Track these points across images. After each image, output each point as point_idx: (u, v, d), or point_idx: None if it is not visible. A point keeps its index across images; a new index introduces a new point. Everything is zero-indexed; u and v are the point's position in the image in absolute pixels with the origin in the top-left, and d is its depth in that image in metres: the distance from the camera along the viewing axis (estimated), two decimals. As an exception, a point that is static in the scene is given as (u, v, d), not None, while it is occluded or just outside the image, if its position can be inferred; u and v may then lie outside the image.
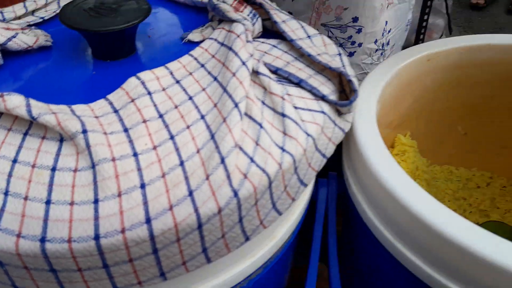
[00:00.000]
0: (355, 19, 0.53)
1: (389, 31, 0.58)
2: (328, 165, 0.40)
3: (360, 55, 0.57)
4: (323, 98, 0.34)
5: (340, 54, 0.38)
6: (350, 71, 0.37)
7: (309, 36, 0.38)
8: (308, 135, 0.31)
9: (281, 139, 0.30)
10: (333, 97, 0.34)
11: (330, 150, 0.35)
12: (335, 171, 0.45)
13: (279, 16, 0.38)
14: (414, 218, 0.30)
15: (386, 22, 0.57)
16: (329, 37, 0.56)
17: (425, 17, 1.53)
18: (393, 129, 0.54)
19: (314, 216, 0.42)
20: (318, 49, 0.37)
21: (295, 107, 0.32)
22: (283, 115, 0.31)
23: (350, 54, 0.57)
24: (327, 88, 0.35)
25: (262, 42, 0.37)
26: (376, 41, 0.57)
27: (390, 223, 0.34)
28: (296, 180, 0.31)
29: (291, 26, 0.38)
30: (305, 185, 0.33)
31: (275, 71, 0.35)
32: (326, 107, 0.33)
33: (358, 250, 0.44)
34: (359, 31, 0.54)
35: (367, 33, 0.55)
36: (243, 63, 0.32)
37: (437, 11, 1.65)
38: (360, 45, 0.56)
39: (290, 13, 0.54)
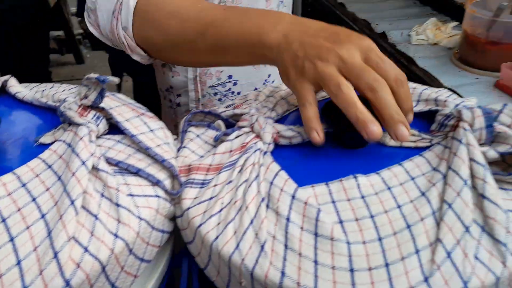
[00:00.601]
0: (230, 76, 0.72)
1: (273, 81, 0.78)
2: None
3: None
4: (157, 184, 0.40)
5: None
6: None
7: (151, 130, 0.45)
8: (141, 219, 0.37)
9: (115, 226, 0.35)
10: (167, 182, 0.41)
11: (169, 226, 0.41)
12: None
13: (123, 116, 0.44)
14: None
15: (269, 75, 0.76)
16: (215, 93, 0.73)
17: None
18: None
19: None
20: (160, 140, 0.44)
21: (132, 195, 0.38)
22: (117, 205, 0.36)
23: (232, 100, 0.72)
24: (163, 174, 0.41)
25: (108, 139, 0.44)
26: (256, 89, 0.74)
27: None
28: (134, 259, 0.36)
29: (134, 124, 0.44)
30: (147, 261, 0.38)
31: (116, 163, 0.41)
32: (160, 191, 0.40)
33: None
34: (235, 83, 0.72)
35: (243, 84, 0.73)
36: (83, 163, 0.38)
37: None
38: (239, 93, 0.74)
39: (171, 87, 0.72)
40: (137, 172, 0.40)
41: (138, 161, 0.41)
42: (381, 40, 1.09)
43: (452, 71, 0.92)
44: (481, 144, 0.41)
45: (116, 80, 0.42)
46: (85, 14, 0.53)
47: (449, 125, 0.43)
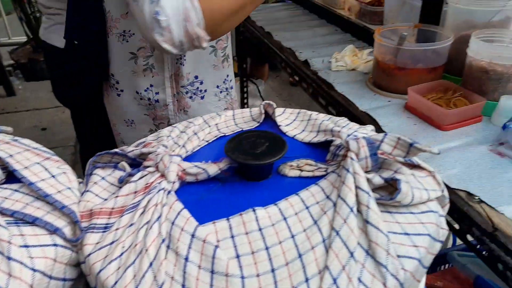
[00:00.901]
0: (196, 77, 0.87)
1: (231, 80, 0.95)
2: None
3: (210, 96, 0.91)
4: (56, 231, 0.40)
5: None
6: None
7: (53, 176, 0.44)
8: (35, 270, 0.36)
9: (5, 281, 0.34)
10: (67, 229, 0.40)
11: (72, 272, 0.40)
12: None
13: (21, 163, 0.44)
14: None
15: (228, 75, 0.94)
16: (187, 92, 0.88)
17: (245, 100, 1.77)
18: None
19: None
20: (62, 185, 0.44)
21: (26, 246, 0.37)
22: (9, 258, 0.35)
23: (202, 97, 0.90)
24: (63, 221, 0.41)
25: (5, 188, 0.43)
26: (218, 86, 0.92)
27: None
28: (28, 313, 0.35)
29: (34, 170, 0.44)
30: (45, 313, 0.37)
31: (12, 214, 0.40)
32: (59, 239, 0.39)
33: None
34: (201, 82, 0.88)
35: (208, 83, 0.89)
36: (-28, 217, 0.36)
37: (254, 94, 1.93)
38: (205, 90, 0.89)
39: (151, 85, 0.85)
40: (33, 222, 0.40)
41: (36, 209, 0.41)
42: (304, 68, 1.14)
43: (368, 95, 0.99)
44: (368, 172, 0.44)
45: (9, 129, 0.41)
46: (156, 35, 0.61)
47: (340, 155, 0.46)
